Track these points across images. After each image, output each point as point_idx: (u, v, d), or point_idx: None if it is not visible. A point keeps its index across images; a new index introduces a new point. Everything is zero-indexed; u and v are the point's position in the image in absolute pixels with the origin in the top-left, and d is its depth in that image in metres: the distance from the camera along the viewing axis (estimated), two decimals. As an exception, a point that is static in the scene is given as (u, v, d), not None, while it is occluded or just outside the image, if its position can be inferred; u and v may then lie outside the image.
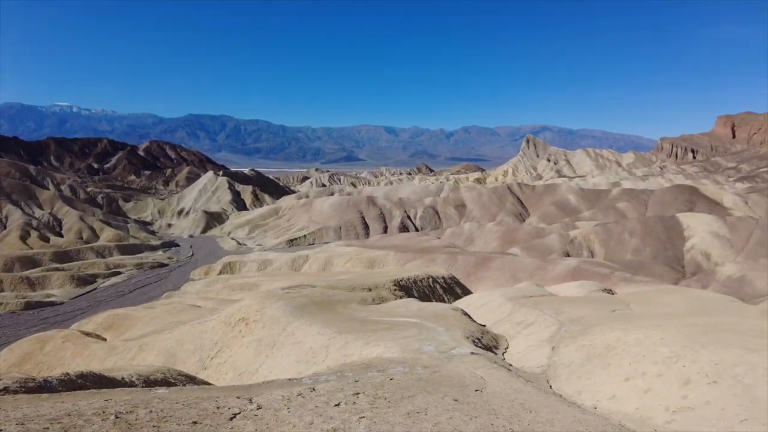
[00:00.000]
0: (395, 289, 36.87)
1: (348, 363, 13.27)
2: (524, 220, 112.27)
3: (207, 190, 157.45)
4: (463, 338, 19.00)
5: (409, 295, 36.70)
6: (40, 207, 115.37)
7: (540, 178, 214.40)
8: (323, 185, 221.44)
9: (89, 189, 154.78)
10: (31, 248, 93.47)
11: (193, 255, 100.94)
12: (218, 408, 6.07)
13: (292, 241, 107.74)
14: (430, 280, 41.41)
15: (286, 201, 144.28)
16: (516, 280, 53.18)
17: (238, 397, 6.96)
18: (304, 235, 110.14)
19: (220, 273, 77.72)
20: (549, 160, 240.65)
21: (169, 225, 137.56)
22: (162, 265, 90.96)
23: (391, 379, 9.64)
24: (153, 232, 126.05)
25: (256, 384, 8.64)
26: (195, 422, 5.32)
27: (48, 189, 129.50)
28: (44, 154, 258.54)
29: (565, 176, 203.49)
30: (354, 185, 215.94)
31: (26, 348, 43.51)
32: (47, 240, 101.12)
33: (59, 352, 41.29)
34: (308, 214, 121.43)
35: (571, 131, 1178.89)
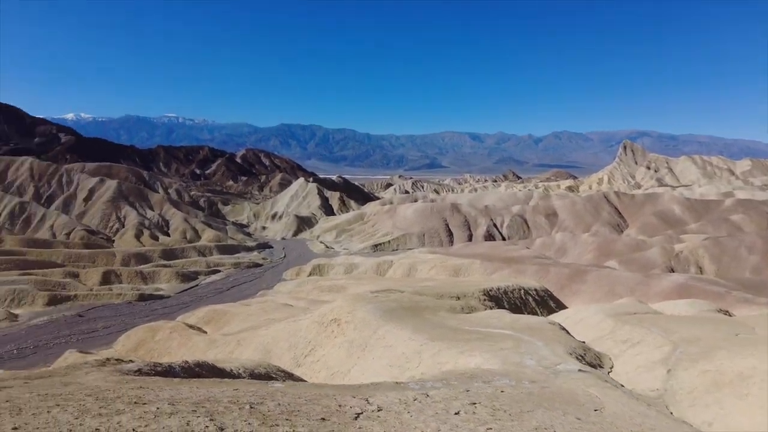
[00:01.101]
0: (485, 299, 35.89)
1: (448, 371, 12.95)
2: (622, 232, 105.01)
3: (298, 196, 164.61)
4: (566, 354, 17.92)
5: (500, 305, 35.54)
6: (152, 208, 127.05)
7: (639, 186, 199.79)
8: (406, 192, 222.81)
9: (192, 193, 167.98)
10: (144, 246, 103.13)
11: (285, 256, 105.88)
12: (340, 406, 6.05)
13: (376, 246, 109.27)
14: (522, 291, 39.84)
15: (370, 207, 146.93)
16: (614, 296, 49.67)
17: (354, 397, 6.94)
18: (388, 241, 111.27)
19: (310, 274, 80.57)
20: (649, 168, 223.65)
21: (264, 228, 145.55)
22: (257, 265, 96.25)
23: (502, 391, 9.21)
24: (249, 234, 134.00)
25: (365, 385, 8.62)
26: (323, 419, 5.32)
27: (158, 192, 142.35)
28: (155, 161, 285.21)
29: (667, 185, 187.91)
30: (437, 192, 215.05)
31: (140, 336, 47.79)
32: (157, 239, 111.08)
33: (167, 341, 44.85)
34: (392, 220, 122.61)
35: (672, 137, 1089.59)
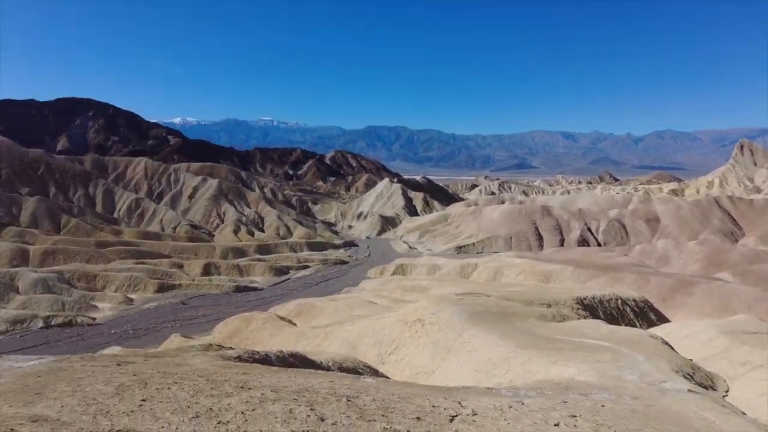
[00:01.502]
0: (578, 308, 33.98)
1: (541, 380, 12.37)
2: (737, 241, 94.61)
3: (383, 196, 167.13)
4: (671, 371, 16.41)
5: (594, 315, 33.47)
6: (248, 206, 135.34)
7: (759, 191, 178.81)
8: (492, 193, 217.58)
9: (285, 192, 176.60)
10: (241, 241, 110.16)
11: (369, 255, 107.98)
12: (434, 407, 5.94)
13: (460, 248, 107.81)
14: (619, 301, 37.22)
15: (455, 208, 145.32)
16: (727, 311, 44.82)
17: (446, 398, 6.80)
18: (473, 243, 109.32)
19: (393, 273, 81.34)
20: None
21: (350, 227, 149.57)
22: (343, 263, 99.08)
23: (602, 405, 8.58)
24: (336, 232, 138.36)
25: (456, 387, 8.45)
26: (418, 418, 5.25)
27: (254, 191, 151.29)
28: (252, 162, 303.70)
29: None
30: (526, 194, 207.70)
31: (236, 325, 50.92)
32: (252, 234, 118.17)
33: (260, 331, 47.39)
34: (477, 222, 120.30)
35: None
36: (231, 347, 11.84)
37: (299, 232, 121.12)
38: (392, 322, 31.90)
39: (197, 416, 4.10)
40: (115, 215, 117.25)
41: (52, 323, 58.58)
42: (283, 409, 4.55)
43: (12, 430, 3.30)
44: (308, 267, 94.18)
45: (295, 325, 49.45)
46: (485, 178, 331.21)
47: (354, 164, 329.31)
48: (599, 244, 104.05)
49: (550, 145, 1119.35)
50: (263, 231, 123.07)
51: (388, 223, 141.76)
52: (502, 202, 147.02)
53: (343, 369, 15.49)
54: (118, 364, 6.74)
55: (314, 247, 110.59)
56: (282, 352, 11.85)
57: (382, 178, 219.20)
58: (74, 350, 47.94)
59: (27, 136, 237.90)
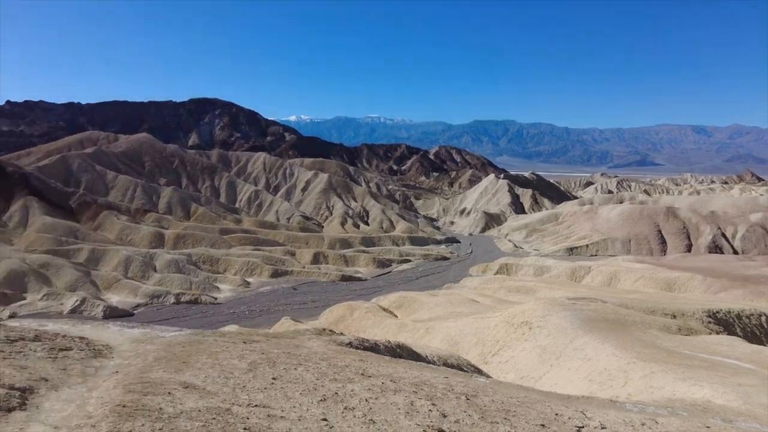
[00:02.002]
0: (709, 322, 30.32)
1: (669, 398, 11.14)
2: None
3: (487, 192, 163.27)
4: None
5: (730, 331, 29.64)
6: (355, 200, 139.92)
7: None
8: (609, 192, 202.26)
9: (390, 187, 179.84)
10: (347, 233, 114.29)
11: (471, 252, 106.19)
12: (557, 415, 5.53)
13: (571, 249, 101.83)
14: (762, 317, 32.57)
15: (566, 207, 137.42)
16: None
17: (566, 407, 6.32)
18: (586, 245, 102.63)
19: (497, 273, 79.18)
20: None
21: (452, 222, 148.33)
22: (444, 259, 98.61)
23: (754, 436, 7.45)
24: (438, 228, 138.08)
25: (575, 396, 7.88)
26: (542, 425, 4.90)
27: (361, 186, 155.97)
28: (358, 157, 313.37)
29: None
30: (648, 193, 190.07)
31: (340, 312, 52.95)
32: (358, 227, 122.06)
33: (362, 320, 48.79)
34: (591, 223, 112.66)
35: None
36: (341, 333, 12.25)
37: (401, 227, 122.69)
38: (497, 323, 30.99)
39: (324, 399, 4.19)
40: (237, 205, 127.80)
41: (182, 300, 65.50)
42: (405, 401, 4.51)
43: (169, 393, 3.63)
44: (409, 261, 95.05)
45: (396, 316, 50.20)
46: (602, 175, 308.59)
47: (458, 159, 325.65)
48: (736, 252, 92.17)
49: (678, 140, 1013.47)
50: (368, 224, 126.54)
51: (493, 220, 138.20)
52: (621, 202, 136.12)
53: (447, 365, 15.29)
54: (244, 342, 7.24)
55: (416, 241, 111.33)
56: (389, 342, 11.98)
57: (487, 174, 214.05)
58: (199, 325, 53.04)
59: (165, 133, 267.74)
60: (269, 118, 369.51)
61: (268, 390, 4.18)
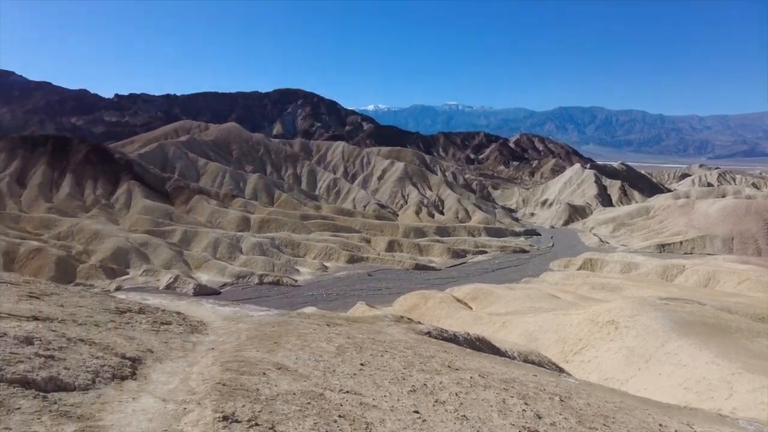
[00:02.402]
0: (832, 332, 26.75)
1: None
2: None
3: (572, 183, 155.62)
4: None
5: None
6: (430, 189, 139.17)
7: None
8: (709, 185, 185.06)
9: (466, 176, 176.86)
10: (422, 222, 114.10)
11: (553, 246, 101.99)
12: (660, 426, 5.04)
13: (662, 246, 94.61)
14: None
15: (659, 200, 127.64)
16: None
17: (668, 417, 5.76)
18: (680, 242, 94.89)
19: (580, 268, 75.49)
20: None
21: (532, 214, 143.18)
22: (523, 251, 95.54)
23: None
24: (516, 219, 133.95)
25: (676, 406, 7.19)
26: (647, 437, 4.45)
27: (436, 174, 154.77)
28: (435, 146, 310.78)
29: None
30: (756, 186, 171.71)
31: (414, 300, 53.08)
32: (432, 216, 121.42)
33: (436, 309, 48.59)
34: (687, 218, 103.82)
35: None
36: (419, 322, 12.17)
37: (478, 217, 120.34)
38: (580, 320, 29.51)
39: (414, 390, 4.09)
40: (316, 192, 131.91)
41: (265, 281, 68.93)
42: (496, 398, 4.29)
43: (264, 373, 3.72)
44: (485, 252, 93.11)
45: (470, 308, 49.50)
46: (700, 166, 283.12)
47: (540, 148, 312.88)
48: None
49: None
50: (443, 214, 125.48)
51: (577, 212, 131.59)
52: (723, 196, 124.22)
53: (527, 361, 14.72)
54: (328, 325, 7.35)
55: (492, 232, 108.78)
56: (469, 334, 11.73)
57: (571, 164, 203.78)
58: (280, 305, 55.51)
59: (251, 123, 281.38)
60: (348, 108, 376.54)
61: (358, 376, 4.15)
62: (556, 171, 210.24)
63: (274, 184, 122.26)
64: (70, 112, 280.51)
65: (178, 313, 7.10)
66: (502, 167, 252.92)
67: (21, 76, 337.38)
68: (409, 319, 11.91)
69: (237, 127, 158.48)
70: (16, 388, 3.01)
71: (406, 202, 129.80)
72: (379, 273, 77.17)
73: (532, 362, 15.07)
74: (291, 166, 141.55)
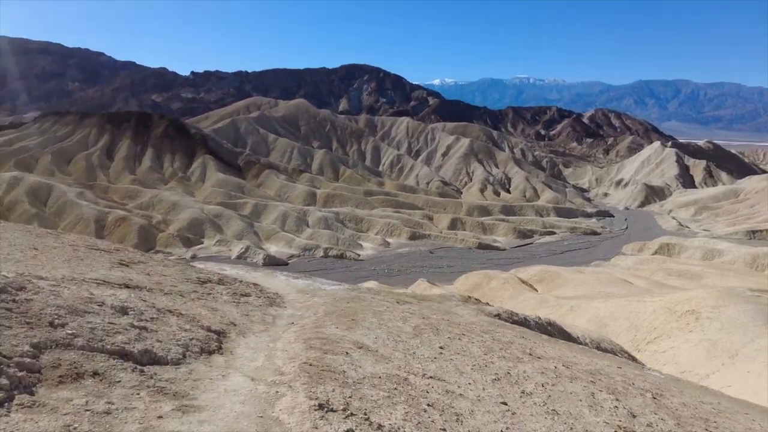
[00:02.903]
0: None
1: None
2: None
3: (650, 162, 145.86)
4: None
5: None
6: (497, 166, 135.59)
7: None
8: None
9: (536, 153, 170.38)
10: (486, 200, 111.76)
11: (626, 228, 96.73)
12: (770, 434, 4.52)
13: (753, 232, 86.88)
14: None
15: (751, 182, 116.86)
16: None
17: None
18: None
19: (655, 253, 71.17)
20: None
21: (605, 194, 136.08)
22: (594, 233, 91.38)
23: None
24: (588, 200, 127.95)
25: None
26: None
27: (504, 151, 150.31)
28: (503, 121, 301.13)
29: None
30: None
31: (476, 280, 52.45)
32: (498, 194, 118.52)
33: (499, 290, 47.75)
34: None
35: None
36: (487, 303, 11.89)
37: (547, 196, 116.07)
38: (655, 308, 27.85)
39: (498, 379, 3.91)
40: (380, 168, 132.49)
41: (329, 254, 70.70)
42: (585, 392, 4.02)
43: (347, 353, 3.69)
44: (554, 233, 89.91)
45: (535, 290, 48.29)
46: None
47: (617, 124, 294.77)
48: None
49: None
50: (509, 192, 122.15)
51: (654, 193, 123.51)
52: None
53: (600, 348, 14.06)
54: (398, 302, 7.30)
55: (562, 213, 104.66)
56: (540, 318, 11.30)
57: (650, 141, 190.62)
58: (344, 278, 56.73)
59: (318, 99, 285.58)
60: (414, 83, 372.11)
61: (438, 360, 4.02)
62: (633, 149, 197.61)
63: (339, 160, 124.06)
64: (151, 90, 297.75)
65: (255, 284, 7.31)
66: (574, 144, 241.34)
67: (109, 56, 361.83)
68: (476, 299, 11.63)
69: (305, 103, 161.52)
70: (116, 360, 3.11)
71: (471, 179, 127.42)
72: (440, 251, 76.81)
73: (605, 350, 14.38)
74: (356, 142, 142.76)
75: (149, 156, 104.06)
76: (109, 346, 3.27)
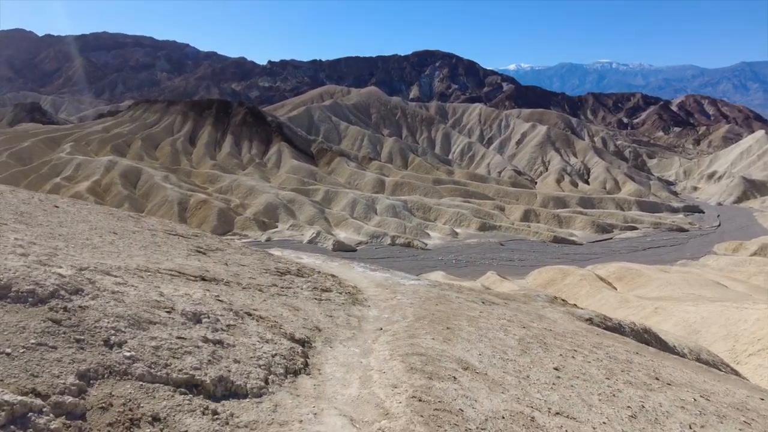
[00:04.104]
0: None
1: None
2: None
3: (750, 153, 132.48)
4: None
5: None
6: (575, 155, 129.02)
7: None
8: None
9: (618, 142, 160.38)
10: (563, 191, 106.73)
11: (719, 225, 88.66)
12: None
13: None
14: None
15: None
16: None
17: None
18: None
19: (754, 254, 64.61)
20: None
21: (695, 188, 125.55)
22: (681, 230, 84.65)
23: None
24: (675, 193, 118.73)
25: None
26: None
27: (583, 140, 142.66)
28: (582, 108, 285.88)
29: None
30: None
31: (551, 275, 50.21)
32: (576, 185, 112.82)
33: (575, 287, 45.37)
34: None
35: None
36: (574, 304, 10.91)
37: (629, 188, 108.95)
38: (759, 317, 24.95)
39: (634, 416, 3.22)
40: (450, 157, 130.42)
41: (396, 242, 70.65)
42: (744, 440, 3.25)
43: (454, 378, 3.15)
44: (635, 228, 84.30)
45: (614, 288, 45.56)
46: None
47: (711, 112, 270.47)
48: None
49: None
50: (587, 183, 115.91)
51: (755, 188, 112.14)
52: None
53: (700, 360, 12.61)
54: (483, 302, 6.68)
55: (645, 206, 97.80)
56: (635, 324, 10.20)
57: (751, 130, 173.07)
58: (410, 267, 56.45)
59: (389, 86, 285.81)
60: (487, 68, 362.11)
61: (558, 388, 3.39)
62: (730, 139, 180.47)
63: (408, 148, 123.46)
64: (231, 79, 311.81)
65: (333, 276, 6.97)
66: (660, 133, 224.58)
67: (194, 47, 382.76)
68: (563, 300, 10.70)
69: (376, 91, 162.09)
70: (182, 396, 2.55)
71: (547, 168, 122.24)
72: (512, 243, 74.39)
73: (705, 362, 12.90)
74: (426, 130, 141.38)
75: (228, 142, 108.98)
76: (175, 374, 2.74)
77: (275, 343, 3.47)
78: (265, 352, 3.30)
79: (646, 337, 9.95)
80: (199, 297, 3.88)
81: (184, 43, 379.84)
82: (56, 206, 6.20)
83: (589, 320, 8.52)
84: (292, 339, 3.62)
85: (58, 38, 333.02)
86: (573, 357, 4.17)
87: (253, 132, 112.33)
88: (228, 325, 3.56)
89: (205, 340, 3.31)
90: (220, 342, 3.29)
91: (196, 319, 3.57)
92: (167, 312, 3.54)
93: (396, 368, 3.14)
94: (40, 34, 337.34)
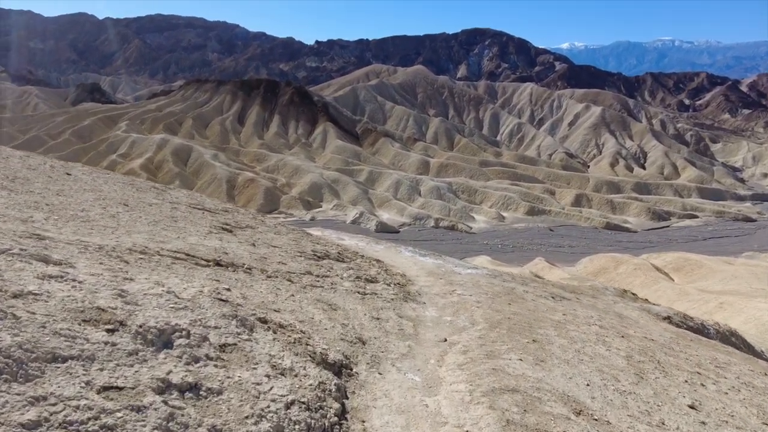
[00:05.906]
0: None
1: None
2: None
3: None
4: None
5: None
6: (631, 138, 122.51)
7: None
8: None
9: (679, 125, 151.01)
10: (617, 175, 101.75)
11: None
12: None
13: None
14: None
15: None
16: None
17: None
18: None
19: (833, 247, 59.48)
20: None
21: (765, 175, 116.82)
22: (747, 219, 79.07)
23: None
24: (741, 180, 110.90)
25: None
26: None
27: (640, 122, 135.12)
28: (640, 89, 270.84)
29: None
30: None
31: (603, 263, 47.92)
32: (631, 170, 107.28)
33: (629, 276, 43.06)
34: None
35: None
36: (646, 300, 9.73)
37: (689, 174, 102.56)
38: None
39: None
40: (498, 138, 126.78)
41: (440, 225, 69.48)
42: None
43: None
44: (696, 217, 79.35)
45: (671, 279, 43.12)
46: None
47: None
48: None
49: None
50: (644, 168, 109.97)
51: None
52: None
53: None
54: (553, 297, 5.75)
55: (707, 194, 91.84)
56: (720, 326, 8.94)
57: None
58: (454, 251, 55.27)
59: (437, 65, 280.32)
60: (539, 47, 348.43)
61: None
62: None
63: (454, 129, 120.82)
64: (279, 59, 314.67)
65: (378, 261, 6.16)
66: (726, 116, 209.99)
67: (243, 28, 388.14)
68: (633, 294, 9.55)
69: (423, 70, 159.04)
70: None
71: (600, 152, 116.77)
72: (562, 229, 71.75)
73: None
74: (473, 110, 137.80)
75: (276, 122, 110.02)
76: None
77: (295, 376, 2.16)
78: (273, 400, 2.00)
79: (734, 341, 8.69)
80: (190, 295, 2.59)
81: (234, 23, 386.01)
82: (68, 173, 5.65)
83: (668, 319, 7.39)
84: (324, 364, 2.40)
85: (116, 21, 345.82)
86: (702, 385, 3.19)
87: (300, 112, 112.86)
88: (221, 346, 2.25)
89: (163, 388, 1.88)
90: (193, 387, 1.93)
91: (164, 340, 2.16)
92: (108, 331, 2.10)
93: (483, 421, 2.13)
94: (101, 17, 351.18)
